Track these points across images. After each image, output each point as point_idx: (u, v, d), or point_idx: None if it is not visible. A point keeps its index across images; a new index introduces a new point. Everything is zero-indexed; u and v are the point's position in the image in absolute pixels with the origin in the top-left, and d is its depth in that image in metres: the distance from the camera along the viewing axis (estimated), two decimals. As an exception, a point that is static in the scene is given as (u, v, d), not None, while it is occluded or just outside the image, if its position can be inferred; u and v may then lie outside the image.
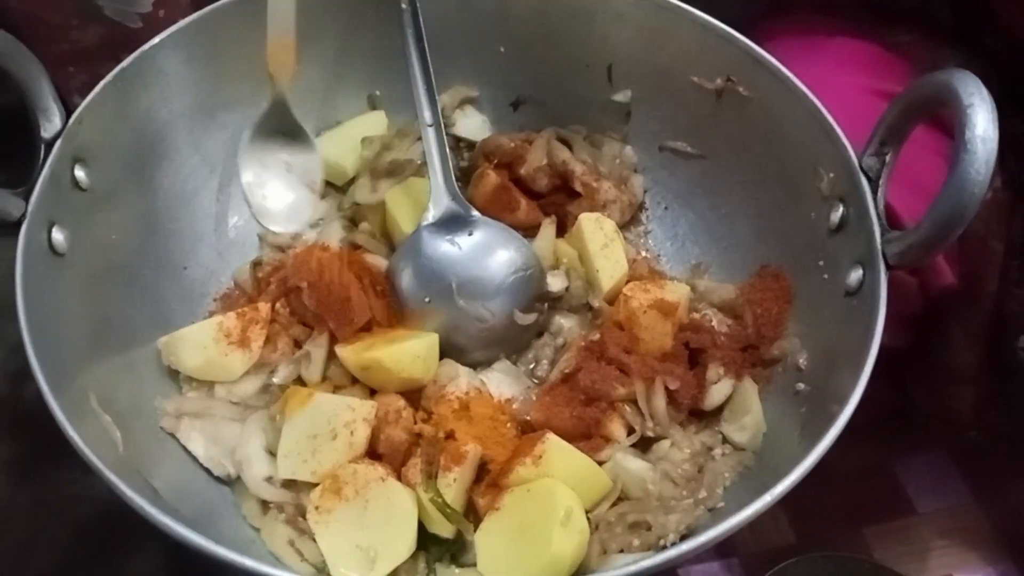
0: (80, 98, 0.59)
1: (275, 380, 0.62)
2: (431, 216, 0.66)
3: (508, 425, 0.60)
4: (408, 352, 0.60)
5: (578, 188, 0.72)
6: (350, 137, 0.73)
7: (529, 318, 0.65)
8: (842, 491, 0.70)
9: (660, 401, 0.60)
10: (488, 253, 0.65)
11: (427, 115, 0.67)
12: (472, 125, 0.77)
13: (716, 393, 0.62)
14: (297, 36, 0.67)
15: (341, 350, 0.61)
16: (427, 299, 0.64)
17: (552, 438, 0.57)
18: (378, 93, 0.76)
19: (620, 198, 0.73)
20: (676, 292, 0.65)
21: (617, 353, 0.62)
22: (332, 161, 0.73)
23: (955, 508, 0.75)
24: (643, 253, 0.74)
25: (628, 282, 0.67)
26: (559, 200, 0.73)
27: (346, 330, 0.62)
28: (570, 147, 0.74)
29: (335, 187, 0.74)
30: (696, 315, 0.67)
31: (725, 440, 0.62)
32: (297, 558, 0.55)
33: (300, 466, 0.56)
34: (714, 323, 0.66)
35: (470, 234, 0.65)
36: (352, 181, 0.73)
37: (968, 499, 0.76)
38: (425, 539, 0.57)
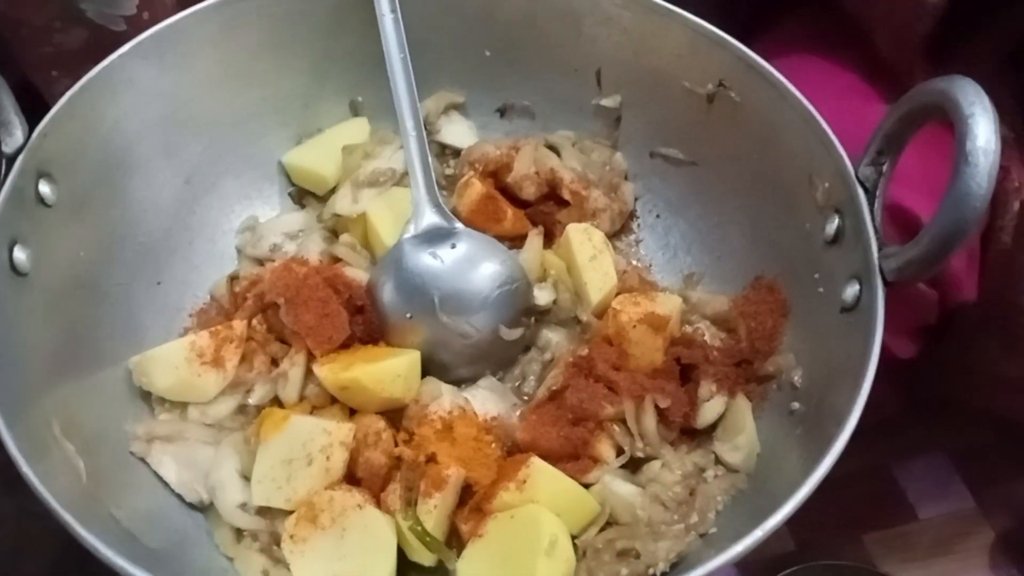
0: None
1: (251, 401, 0.60)
2: (413, 228, 0.64)
3: (493, 446, 0.58)
4: (388, 371, 0.58)
5: (567, 196, 0.70)
6: (331, 145, 0.71)
7: (515, 333, 0.63)
8: (842, 497, 0.68)
9: (650, 420, 0.58)
10: (472, 266, 0.63)
11: (409, 124, 0.65)
12: (457, 132, 0.75)
13: (708, 411, 0.60)
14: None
15: (319, 369, 0.59)
16: (408, 315, 0.62)
17: (536, 462, 0.55)
18: (360, 99, 0.74)
19: (610, 206, 0.71)
20: (667, 305, 0.63)
21: (605, 370, 0.60)
22: (313, 170, 0.71)
23: (956, 513, 0.75)
24: (634, 263, 0.72)
25: (618, 294, 0.65)
26: (547, 209, 0.71)
27: (324, 347, 0.60)
28: (558, 154, 0.72)
29: (316, 197, 0.72)
30: (688, 328, 0.64)
31: (718, 461, 0.59)
32: None
33: (275, 493, 0.55)
34: (706, 337, 0.64)
35: (453, 247, 0.63)
36: (333, 191, 0.71)
37: (969, 504, 0.75)
38: (405, 567, 0.55)
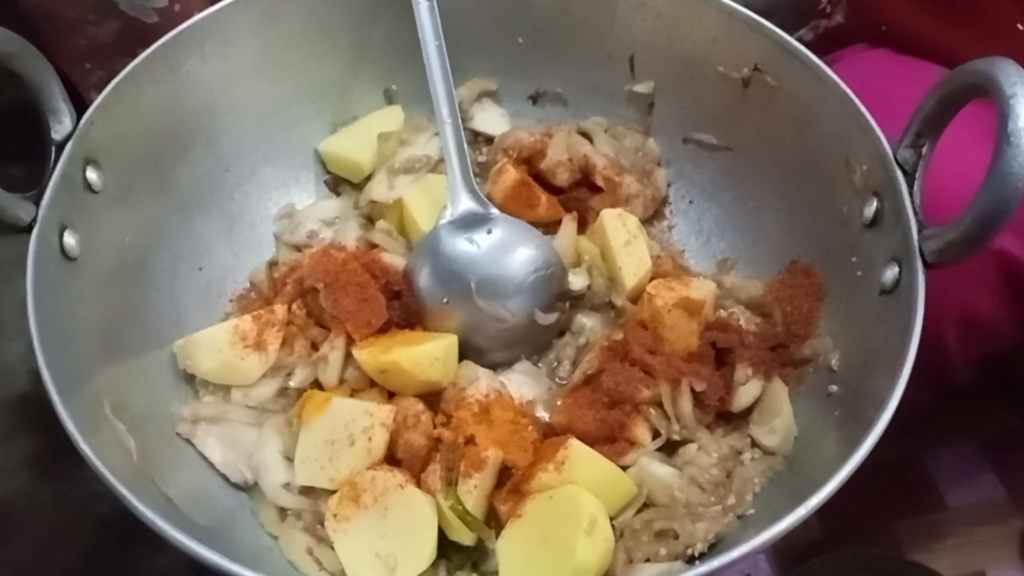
0: (97, 94, 0.58)
1: (292, 384, 0.61)
2: (449, 214, 0.65)
3: (529, 429, 0.59)
4: (427, 354, 0.59)
5: (599, 183, 0.70)
6: (366, 133, 0.72)
7: (550, 318, 0.64)
8: (871, 486, 0.68)
9: (686, 403, 0.59)
10: (508, 251, 0.63)
11: (444, 111, 0.65)
12: (490, 119, 0.75)
13: (744, 395, 0.60)
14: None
15: (358, 353, 0.60)
16: (445, 299, 0.62)
17: (575, 444, 0.56)
18: (394, 87, 0.74)
19: (643, 192, 0.71)
20: (702, 289, 0.63)
21: (641, 354, 0.60)
22: (348, 157, 0.72)
23: (986, 502, 0.74)
24: (667, 248, 0.72)
25: (652, 279, 0.65)
26: (580, 195, 0.71)
27: (363, 332, 0.60)
28: (591, 140, 0.72)
29: (351, 184, 0.73)
30: (723, 313, 0.65)
31: (754, 444, 0.60)
32: (316, 567, 0.54)
33: (317, 472, 0.56)
34: (741, 321, 0.64)
35: (489, 232, 0.64)
36: (368, 178, 0.72)
37: (999, 493, 0.74)
38: (445, 546, 0.56)
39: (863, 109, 0.57)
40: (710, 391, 0.59)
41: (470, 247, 0.63)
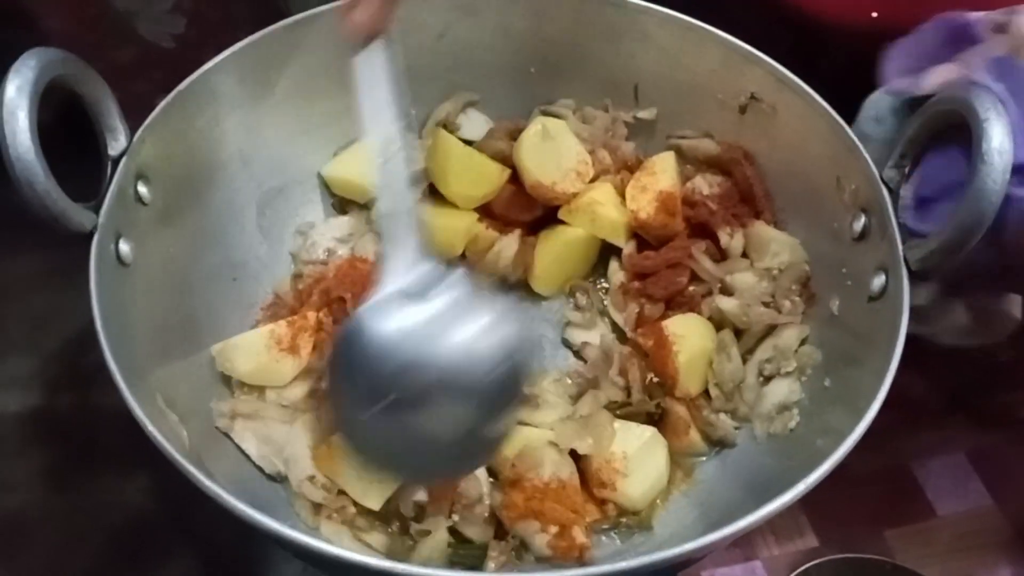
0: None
1: (322, 385, 0.64)
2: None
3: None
4: None
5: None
6: (367, 154, 0.75)
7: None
8: (863, 494, 0.72)
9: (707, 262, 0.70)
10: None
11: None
12: (476, 127, 0.79)
13: (735, 247, 0.70)
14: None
15: None
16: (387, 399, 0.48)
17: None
18: (413, 112, 0.77)
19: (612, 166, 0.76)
20: (666, 170, 0.71)
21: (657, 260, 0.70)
22: (351, 180, 0.75)
23: (975, 510, 0.75)
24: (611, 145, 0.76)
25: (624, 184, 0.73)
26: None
27: None
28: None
29: (358, 204, 0.76)
30: (688, 186, 0.72)
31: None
32: (365, 548, 0.57)
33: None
34: (704, 190, 0.71)
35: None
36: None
37: (987, 501, 0.76)
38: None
39: (851, 133, 0.62)
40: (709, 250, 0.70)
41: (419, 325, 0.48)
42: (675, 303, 0.70)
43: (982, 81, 0.54)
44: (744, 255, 0.71)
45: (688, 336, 0.66)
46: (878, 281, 0.58)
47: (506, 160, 0.74)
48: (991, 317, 0.65)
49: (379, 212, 0.52)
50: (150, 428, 0.47)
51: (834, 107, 0.64)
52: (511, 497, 0.58)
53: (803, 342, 0.65)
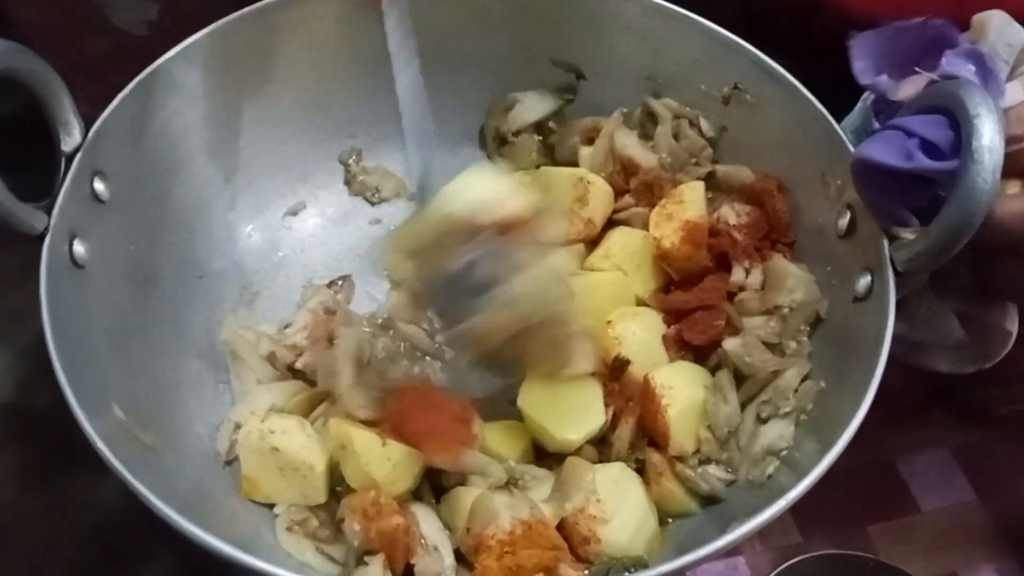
0: (88, 107, 0.59)
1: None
2: None
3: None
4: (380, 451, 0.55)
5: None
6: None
7: None
8: (847, 490, 0.70)
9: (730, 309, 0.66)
10: None
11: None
12: (529, 110, 0.76)
13: (751, 283, 0.66)
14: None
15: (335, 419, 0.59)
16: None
17: None
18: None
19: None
20: (695, 200, 0.67)
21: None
22: None
23: (958, 506, 0.75)
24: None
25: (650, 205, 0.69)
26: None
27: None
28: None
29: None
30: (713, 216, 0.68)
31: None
32: (326, 561, 0.56)
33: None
34: (731, 218, 0.67)
35: None
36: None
37: (971, 497, 0.76)
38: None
39: (836, 127, 0.60)
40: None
41: None
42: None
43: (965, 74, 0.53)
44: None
45: (678, 387, 0.61)
46: (864, 281, 0.57)
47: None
48: (986, 333, 0.64)
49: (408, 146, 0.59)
50: (98, 443, 0.45)
51: (820, 99, 0.62)
52: (484, 565, 0.52)
53: (804, 379, 0.62)
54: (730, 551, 0.71)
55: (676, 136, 0.72)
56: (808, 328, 0.62)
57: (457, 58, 0.73)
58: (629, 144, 0.72)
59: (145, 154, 0.63)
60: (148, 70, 0.62)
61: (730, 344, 0.63)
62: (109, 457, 0.45)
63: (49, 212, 0.53)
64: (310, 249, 0.75)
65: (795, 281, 0.63)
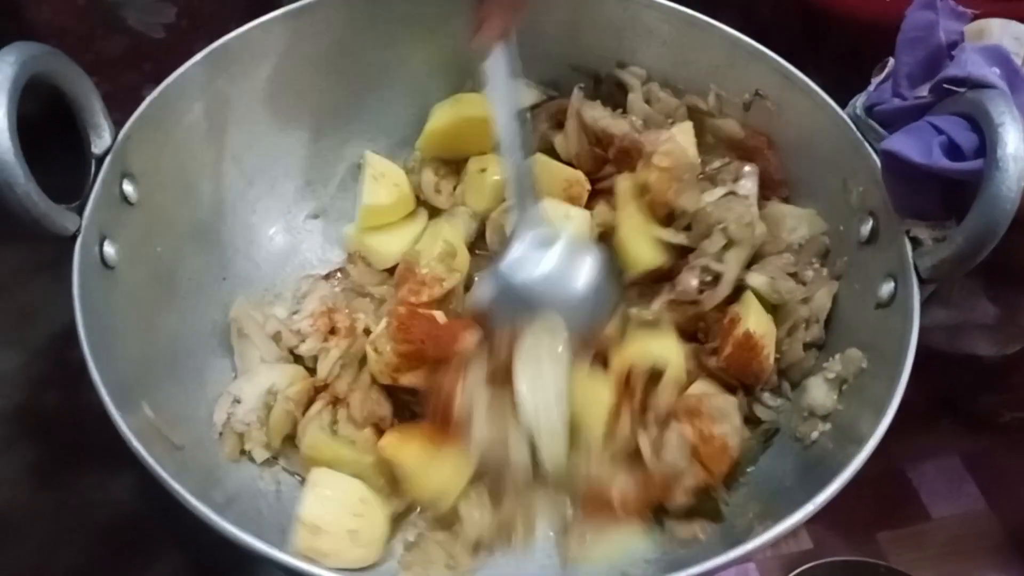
0: (104, 108, 0.59)
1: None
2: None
3: None
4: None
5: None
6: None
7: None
8: (858, 498, 0.70)
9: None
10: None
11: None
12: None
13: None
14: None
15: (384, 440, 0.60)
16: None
17: None
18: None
19: None
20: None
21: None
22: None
23: (968, 514, 0.75)
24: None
25: None
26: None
27: None
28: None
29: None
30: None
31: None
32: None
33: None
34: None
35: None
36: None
37: (981, 505, 0.76)
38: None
39: (859, 134, 0.60)
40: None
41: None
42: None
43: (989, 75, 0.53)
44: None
45: (768, 335, 0.63)
46: (887, 288, 0.57)
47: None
48: (1018, 312, 0.63)
49: (508, 185, 0.65)
50: (133, 442, 0.45)
51: (840, 104, 0.62)
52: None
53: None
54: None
55: (648, 101, 0.72)
56: (819, 261, 0.64)
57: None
58: (599, 116, 0.72)
59: (172, 157, 0.63)
60: (176, 74, 0.62)
61: (756, 280, 0.64)
62: (145, 456, 0.45)
63: (80, 213, 0.54)
64: (331, 251, 0.75)
65: (795, 220, 0.65)
